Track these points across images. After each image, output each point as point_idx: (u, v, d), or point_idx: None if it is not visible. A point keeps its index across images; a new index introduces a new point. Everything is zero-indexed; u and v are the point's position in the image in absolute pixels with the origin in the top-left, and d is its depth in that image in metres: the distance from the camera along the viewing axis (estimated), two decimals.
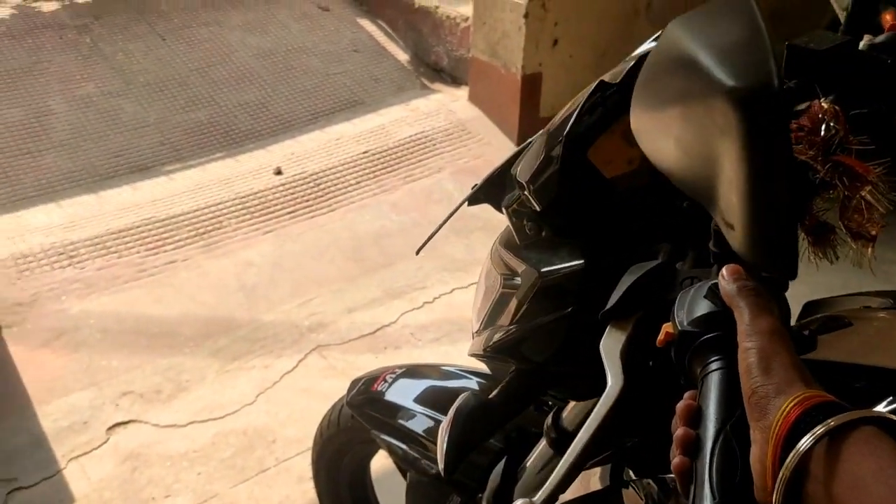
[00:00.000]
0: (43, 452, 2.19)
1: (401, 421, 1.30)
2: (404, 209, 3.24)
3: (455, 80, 4.11)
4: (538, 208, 0.80)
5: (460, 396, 0.89)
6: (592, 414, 0.67)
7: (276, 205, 3.17)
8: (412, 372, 1.40)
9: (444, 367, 1.40)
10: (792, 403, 0.50)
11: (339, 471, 1.57)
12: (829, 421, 0.48)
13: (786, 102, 0.53)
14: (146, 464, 2.17)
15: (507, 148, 3.65)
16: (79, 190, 3.22)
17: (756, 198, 0.54)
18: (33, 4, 4.37)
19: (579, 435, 0.67)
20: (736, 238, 0.58)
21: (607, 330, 0.69)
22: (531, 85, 3.60)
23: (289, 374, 2.50)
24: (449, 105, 3.90)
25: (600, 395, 0.85)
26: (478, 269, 3.09)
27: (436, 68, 4.23)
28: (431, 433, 1.24)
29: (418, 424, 1.28)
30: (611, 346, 0.68)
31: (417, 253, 1.07)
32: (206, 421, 2.32)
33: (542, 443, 0.97)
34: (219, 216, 3.09)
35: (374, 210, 3.22)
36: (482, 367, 1.14)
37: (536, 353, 0.86)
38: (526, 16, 3.43)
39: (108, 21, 4.21)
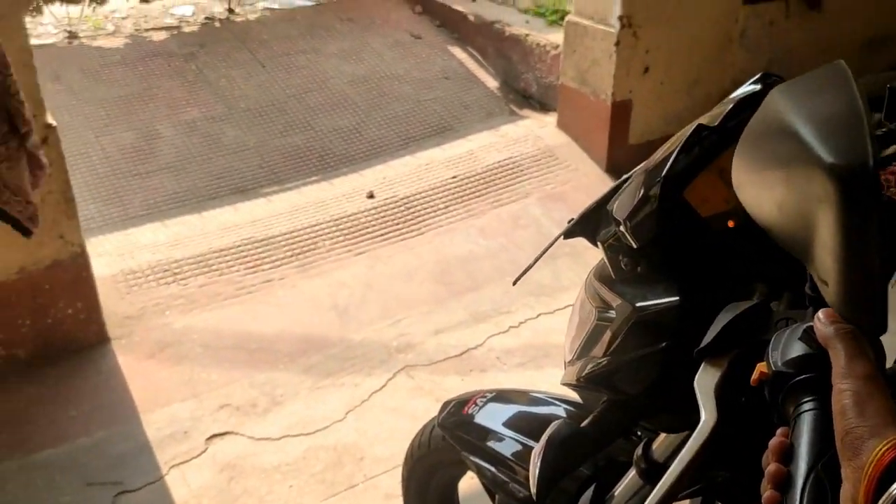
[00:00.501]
0: (147, 459, 2.31)
1: (490, 444, 1.34)
2: (491, 234, 3.29)
3: (544, 107, 4.16)
4: (635, 245, 0.83)
5: (552, 424, 0.92)
6: (685, 447, 0.69)
7: (367, 227, 3.27)
8: (502, 396, 1.43)
9: (533, 394, 1.43)
10: (886, 446, 0.51)
11: (427, 491, 1.61)
12: None
13: (878, 180, 0.56)
14: (242, 474, 2.27)
15: (595, 174, 3.66)
16: (183, 210, 3.39)
17: (849, 263, 0.58)
18: (145, 34, 4.64)
19: (671, 467, 0.70)
20: (830, 294, 0.61)
21: (702, 367, 0.72)
22: (621, 112, 3.61)
23: (378, 392, 2.56)
24: (537, 131, 3.94)
25: (691, 429, 0.87)
26: (564, 294, 3.11)
27: (525, 95, 4.28)
28: (520, 458, 1.27)
29: (507, 448, 1.32)
30: (705, 382, 0.70)
31: (514, 283, 1.11)
32: (298, 435, 2.40)
33: (632, 472, 0.99)
34: (314, 237, 3.20)
35: (462, 234, 3.28)
36: (570, 394, 1.17)
37: (629, 386, 0.88)
38: (617, 44, 3.45)
39: (213, 49, 4.44)
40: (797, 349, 0.62)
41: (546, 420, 1.29)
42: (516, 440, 1.31)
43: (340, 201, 3.40)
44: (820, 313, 0.61)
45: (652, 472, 0.94)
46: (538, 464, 0.89)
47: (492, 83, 4.38)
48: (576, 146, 3.81)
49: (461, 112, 4.12)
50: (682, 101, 3.69)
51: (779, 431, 0.60)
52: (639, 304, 0.84)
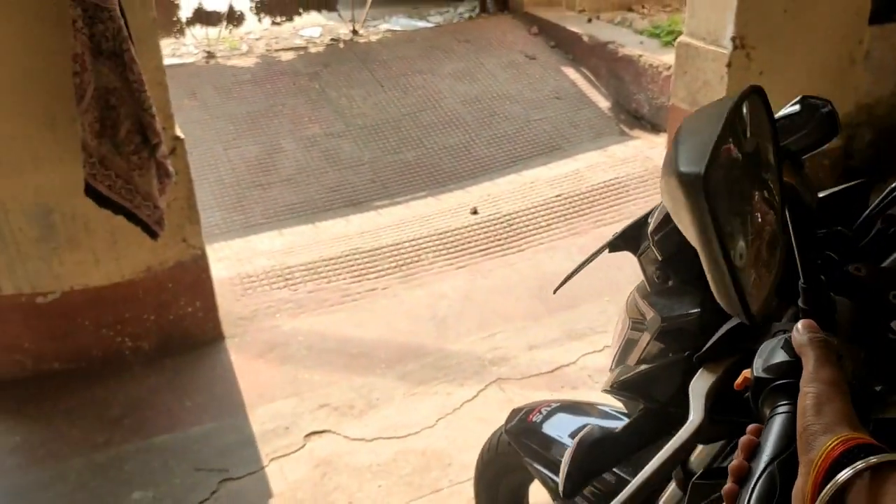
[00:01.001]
0: (250, 450, 2.47)
1: (553, 453, 1.38)
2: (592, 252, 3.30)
3: (654, 128, 4.13)
4: (660, 258, 0.87)
5: (585, 428, 0.96)
6: (669, 443, 0.73)
7: (470, 242, 3.36)
8: (569, 407, 1.47)
9: (601, 407, 1.46)
10: (836, 441, 0.55)
11: (497, 492, 1.67)
12: (870, 458, 0.53)
13: (710, 188, 0.61)
14: (335, 471, 2.39)
15: None
16: (299, 220, 3.60)
17: (703, 258, 0.65)
18: (274, 54, 4.95)
19: (651, 461, 0.73)
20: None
21: (699, 371, 0.75)
22: None
23: (469, 402, 2.63)
24: (646, 152, 3.92)
25: (728, 439, 0.90)
26: None
27: (636, 115, 4.27)
28: None
29: None
30: (699, 386, 0.74)
31: (555, 292, 1.16)
32: (390, 438, 2.50)
33: (672, 484, 1.01)
34: (418, 250, 3.32)
35: (562, 252, 3.31)
36: None
37: (659, 394, 0.92)
38: (729, 65, 3.40)
39: (336, 69, 4.67)
40: (778, 356, 0.65)
41: None
42: None
43: (445, 216, 3.51)
44: (799, 323, 0.65)
45: (689, 482, 0.97)
46: (567, 462, 0.93)
47: (603, 103, 4.39)
48: None
49: (570, 132, 4.16)
50: None
51: (749, 430, 0.64)
52: (665, 316, 0.88)
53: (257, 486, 2.36)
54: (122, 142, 2.33)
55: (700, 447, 0.97)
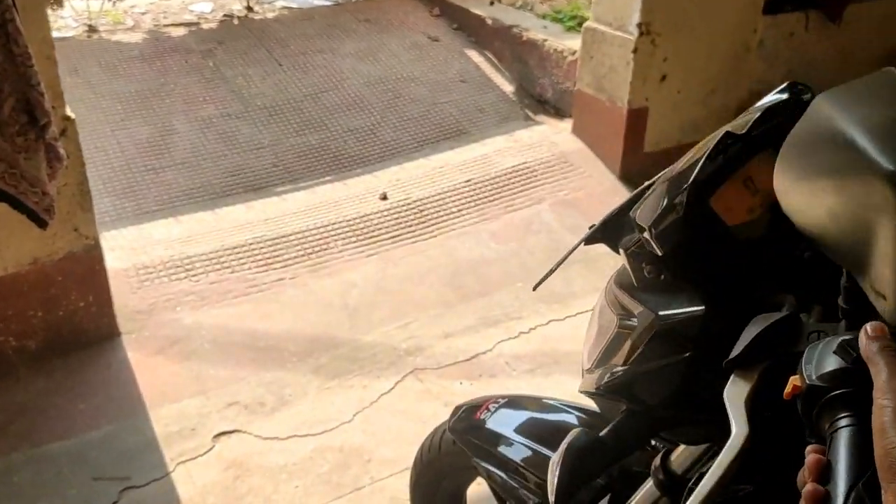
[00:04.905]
0: (154, 455, 2.30)
1: (502, 450, 1.33)
2: (503, 238, 3.27)
3: (559, 113, 4.14)
4: (660, 253, 0.82)
5: (571, 433, 0.91)
6: (717, 462, 0.68)
7: (380, 229, 3.26)
8: (514, 402, 1.42)
9: (546, 400, 1.42)
10: None
11: (435, 495, 1.60)
12: None
13: None
14: (247, 473, 2.26)
15: (609, 181, 3.64)
16: (197, 207, 3.39)
17: None
18: (163, 30, 4.66)
19: (702, 482, 0.68)
20: (887, 307, 0.59)
21: (731, 378, 0.70)
22: (636, 119, 3.59)
23: (386, 395, 2.55)
24: (552, 137, 3.92)
25: (712, 441, 0.86)
26: (575, 301, 3.08)
27: (540, 100, 4.27)
28: (532, 464, 1.26)
29: (519, 454, 1.31)
30: (735, 394, 0.69)
31: (535, 289, 1.09)
32: (306, 436, 2.39)
33: (649, 483, 0.97)
34: (326, 237, 3.20)
35: (473, 238, 3.27)
36: (583, 401, 1.16)
37: (650, 396, 0.87)
38: (634, 51, 3.43)
39: (231, 46, 4.44)
40: (832, 363, 0.60)
41: (558, 427, 1.28)
42: (528, 447, 1.30)
43: (353, 202, 3.40)
44: (868, 326, 0.58)
45: (670, 484, 0.93)
46: (556, 472, 0.88)
47: (507, 87, 4.37)
48: (590, 153, 3.80)
49: (476, 116, 4.11)
50: (699, 110, 3.67)
51: (812, 448, 0.58)
52: (662, 313, 0.83)
53: (163, 493, 2.20)
54: (6, 122, 2.09)
55: (682, 447, 0.93)
